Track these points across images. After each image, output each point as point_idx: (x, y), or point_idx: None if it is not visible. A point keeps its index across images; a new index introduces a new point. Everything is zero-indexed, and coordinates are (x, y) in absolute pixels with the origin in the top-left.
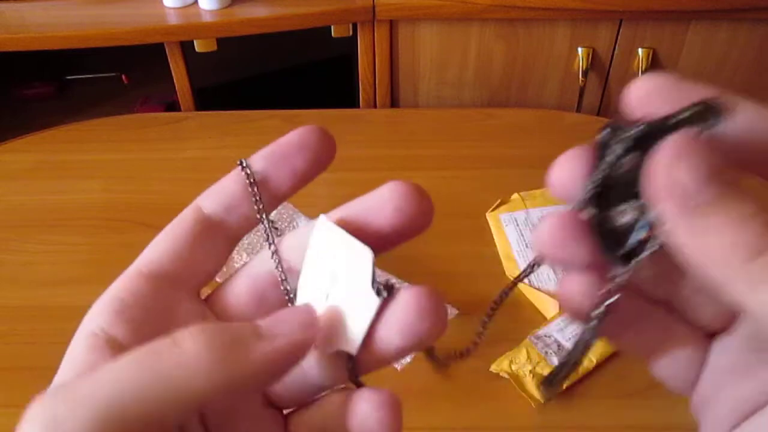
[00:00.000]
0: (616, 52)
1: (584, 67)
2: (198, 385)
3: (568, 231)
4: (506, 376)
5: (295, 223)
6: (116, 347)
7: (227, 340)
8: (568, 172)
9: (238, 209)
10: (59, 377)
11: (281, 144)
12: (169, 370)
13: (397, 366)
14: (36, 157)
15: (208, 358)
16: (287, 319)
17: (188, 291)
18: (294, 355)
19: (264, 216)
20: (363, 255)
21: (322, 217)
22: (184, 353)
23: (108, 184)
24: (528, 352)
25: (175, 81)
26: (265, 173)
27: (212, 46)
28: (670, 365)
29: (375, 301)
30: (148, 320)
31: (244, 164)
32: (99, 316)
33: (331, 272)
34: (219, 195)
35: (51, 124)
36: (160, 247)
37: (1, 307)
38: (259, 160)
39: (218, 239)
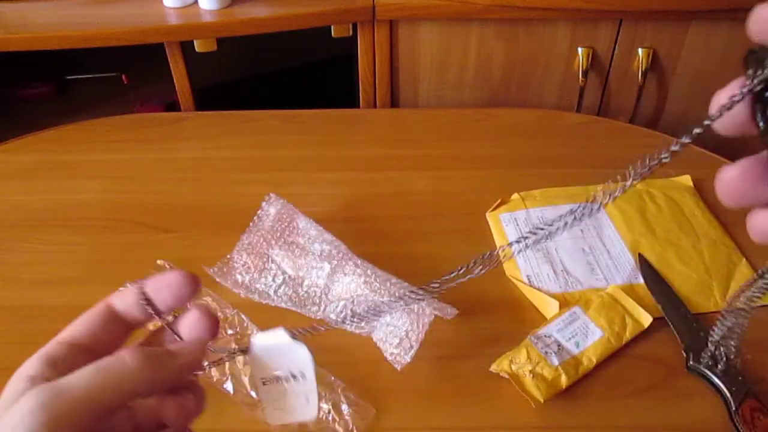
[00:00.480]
0: (616, 52)
1: (584, 67)
2: (135, 383)
3: (751, 176)
4: (506, 376)
5: (294, 223)
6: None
7: (153, 356)
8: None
9: (133, 311)
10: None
11: (160, 280)
12: (119, 374)
13: (397, 366)
14: (36, 157)
15: (141, 367)
16: (189, 346)
17: (94, 357)
18: (192, 366)
19: (162, 318)
20: (279, 332)
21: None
22: (126, 364)
23: (108, 184)
24: (528, 352)
25: (175, 81)
26: (153, 294)
27: (212, 46)
28: None
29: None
30: (70, 370)
31: (142, 288)
32: (32, 368)
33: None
34: (124, 298)
35: (51, 124)
36: (77, 327)
37: (1, 307)
38: (149, 284)
39: (119, 326)
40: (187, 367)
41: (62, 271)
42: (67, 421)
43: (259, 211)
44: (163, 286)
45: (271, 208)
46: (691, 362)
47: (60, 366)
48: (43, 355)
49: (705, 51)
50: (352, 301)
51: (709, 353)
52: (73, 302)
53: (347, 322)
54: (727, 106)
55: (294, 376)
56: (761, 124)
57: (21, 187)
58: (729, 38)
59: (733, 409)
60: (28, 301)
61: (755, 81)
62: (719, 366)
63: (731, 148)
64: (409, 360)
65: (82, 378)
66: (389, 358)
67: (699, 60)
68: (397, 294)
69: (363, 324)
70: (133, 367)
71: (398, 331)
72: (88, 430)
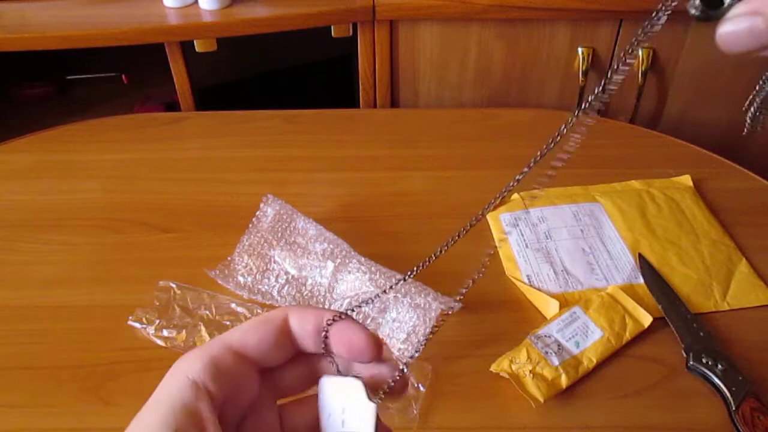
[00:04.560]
0: (616, 52)
1: (584, 67)
2: None
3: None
4: (506, 376)
5: (294, 224)
6: (209, 396)
7: None
8: None
9: (306, 341)
10: (152, 403)
11: (347, 333)
12: None
13: (405, 361)
14: (36, 157)
15: None
16: None
17: (258, 371)
18: None
19: (333, 361)
20: (356, 383)
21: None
22: None
23: (108, 184)
24: (528, 352)
25: (175, 81)
26: (333, 338)
27: (212, 46)
28: None
29: (372, 407)
30: (229, 383)
31: (325, 325)
32: (196, 372)
33: (341, 408)
34: (303, 321)
35: (51, 124)
36: (251, 336)
37: (1, 307)
38: (335, 327)
39: (290, 345)
40: None
41: (62, 271)
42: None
43: (257, 212)
44: (346, 340)
45: (269, 209)
46: (691, 362)
47: (221, 379)
48: (208, 359)
49: (705, 51)
50: (357, 299)
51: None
52: (72, 302)
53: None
54: None
55: None
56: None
57: (21, 187)
58: None
59: (733, 409)
60: (28, 301)
61: None
62: (719, 366)
63: (731, 148)
64: (417, 355)
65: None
66: (396, 353)
67: (699, 60)
68: (403, 290)
69: (369, 321)
70: None
71: (405, 327)
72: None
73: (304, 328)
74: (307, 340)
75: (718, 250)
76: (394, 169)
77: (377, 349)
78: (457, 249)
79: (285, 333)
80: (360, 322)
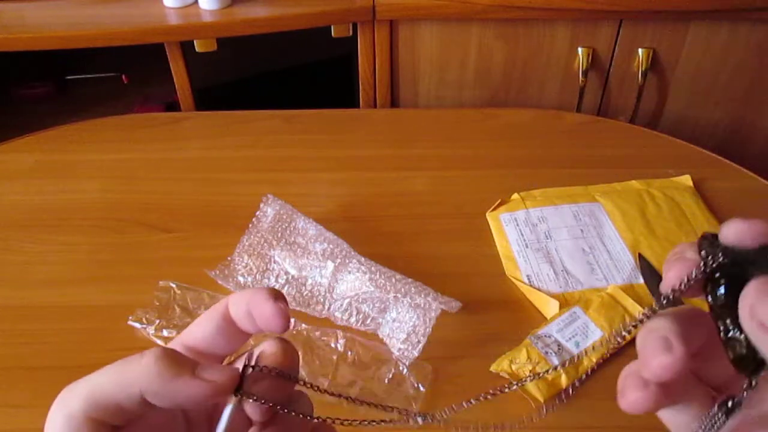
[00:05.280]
0: (616, 52)
1: (584, 67)
2: (141, 383)
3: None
4: (506, 376)
5: (294, 224)
6: None
7: (170, 362)
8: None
9: (241, 322)
10: None
11: (261, 309)
12: (129, 371)
13: (405, 361)
14: (36, 157)
15: (150, 370)
16: (218, 369)
17: (213, 359)
18: (213, 392)
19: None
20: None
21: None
22: (141, 364)
23: (108, 184)
24: (528, 352)
25: (175, 81)
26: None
27: (212, 46)
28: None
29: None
30: None
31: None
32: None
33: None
34: (237, 304)
35: (51, 124)
36: (197, 328)
37: (0, 307)
38: (252, 301)
39: (236, 331)
40: (208, 389)
41: (62, 271)
42: (79, 415)
43: (257, 212)
44: (261, 314)
45: (269, 209)
46: None
47: None
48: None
49: (705, 51)
50: (357, 299)
51: None
52: (73, 302)
53: (353, 319)
54: (680, 290)
55: None
56: (710, 301)
57: (21, 187)
58: (729, 38)
59: None
60: (28, 301)
61: (711, 265)
62: None
63: (731, 148)
64: (416, 354)
65: (96, 373)
66: (396, 353)
67: (699, 60)
68: (403, 290)
69: (369, 321)
70: (143, 365)
71: (405, 327)
72: (104, 426)
73: (238, 311)
74: (244, 323)
75: None
76: (394, 169)
77: (283, 322)
78: (458, 249)
79: (228, 320)
80: (283, 294)
